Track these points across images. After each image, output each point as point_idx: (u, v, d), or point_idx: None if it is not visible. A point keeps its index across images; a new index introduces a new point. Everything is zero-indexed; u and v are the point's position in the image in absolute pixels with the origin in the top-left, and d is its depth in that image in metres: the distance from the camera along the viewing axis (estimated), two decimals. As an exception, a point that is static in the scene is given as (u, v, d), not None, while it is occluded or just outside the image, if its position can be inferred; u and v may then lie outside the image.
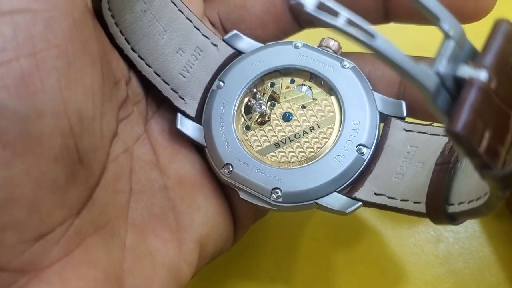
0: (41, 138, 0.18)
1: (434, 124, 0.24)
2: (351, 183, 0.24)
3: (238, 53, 0.26)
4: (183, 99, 0.25)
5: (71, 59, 0.19)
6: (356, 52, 0.27)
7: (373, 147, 0.24)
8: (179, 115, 0.25)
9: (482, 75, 0.13)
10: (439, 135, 0.22)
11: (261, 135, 0.25)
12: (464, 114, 0.13)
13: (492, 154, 0.14)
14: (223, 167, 0.24)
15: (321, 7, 0.13)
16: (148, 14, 0.23)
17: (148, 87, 0.25)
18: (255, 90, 0.26)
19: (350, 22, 0.13)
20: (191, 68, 0.25)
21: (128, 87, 0.24)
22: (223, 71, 0.26)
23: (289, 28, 0.27)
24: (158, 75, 0.24)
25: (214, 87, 0.25)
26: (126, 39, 0.23)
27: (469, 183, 0.19)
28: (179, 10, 0.25)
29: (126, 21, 0.22)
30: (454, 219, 0.19)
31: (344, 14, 0.13)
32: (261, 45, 0.26)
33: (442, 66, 0.14)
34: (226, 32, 0.27)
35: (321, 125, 0.25)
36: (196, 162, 0.25)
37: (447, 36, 0.14)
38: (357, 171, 0.23)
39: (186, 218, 0.24)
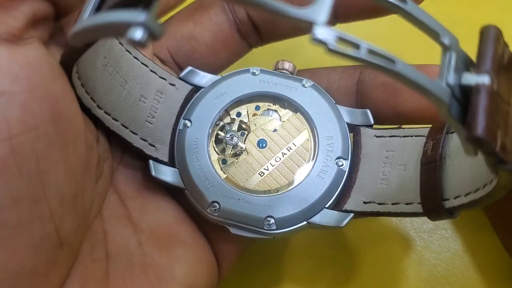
0: (18, 226, 0.17)
1: (403, 126, 0.25)
2: (337, 197, 0.24)
3: (196, 88, 0.26)
4: (153, 146, 0.24)
5: (52, 140, 0.17)
6: (310, 69, 0.27)
7: (349, 158, 0.24)
8: (151, 162, 0.24)
9: (486, 79, 0.14)
10: (412, 136, 0.24)
11: (242, 167, 0.25)
12: (481, 119, 0.14)
13: (504, 150, 0.15)
14: (209, 207, 0.23)
15: (342, 41, 0.13)
16: (108, 67, 0.22)
17: (110, 139, 0.24)
18: (222, 123, 0.25)
19: (371, 52, 0.13)
20: (156, 113, 0.24)
21: (98, 146, 0.22)
22: (186, 110, 0.25)
23: (240, 50, 0.27)
24: (126, 127, 0.23)
25: (180, 127, 0.25)
26: (91, 98, 0.21)
27: (462, 177, 0.20)
28: (134, 57, 0.24)
29: (91, 79, 0.21)
30: (451, 213, 0.21)
31: (364, 45, 0.13)
32: (218, 77, 0.26)
33: (451, 78, 0.14)
34: (179, 66, 0.27)
35: (297, 142, 0.25)
36: (169, 208, 0.25)
37: (446, 48, 0.15)
38: (340, 184, 0.24)
39: (167, 272, 0.23)
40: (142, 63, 0.24)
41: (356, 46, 0.13)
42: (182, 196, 0.24)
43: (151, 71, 0.24)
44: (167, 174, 0.24)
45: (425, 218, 0.22)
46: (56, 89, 0.18)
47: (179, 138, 0.25)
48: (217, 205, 0.23)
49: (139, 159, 0.24)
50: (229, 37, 0.27)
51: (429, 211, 0.21)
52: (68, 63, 0.18)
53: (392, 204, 0.23)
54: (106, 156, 0.23)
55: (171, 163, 0.24)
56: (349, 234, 0.30)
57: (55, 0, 0.18)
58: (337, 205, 0.24)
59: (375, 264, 0.30)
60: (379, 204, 0.23)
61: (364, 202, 0.24)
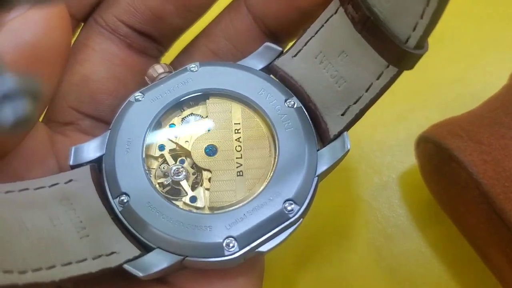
0: None
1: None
2: (318, 134, 0.21)
3: (96, 162, 0.20)
4: (113, 253, 0.18)
5: None
6: (201, 32, 0.24)
7: (293, 95, 0.21)
8: (128, 267, 0.18)
9: None
10: (323, 25, 0.20)
11: (217, 187, 0.20)
12: None
13: None
14: (225, 248, 0.18)
15: None
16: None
17: None
18: (153, 170, 0.20)
19: None
20: (81, 222, 0.18)
21: None
22: (108, 189, 0.19)
23: (146, 67, 0.22)
24: (69, 263, 0.17)
25: (120, 208, 0.19)
26: (5, 271, 0.15)
27: (404, 10, 0.17)
28: (7, 192, 0.17)
29: None
30: (421, 47, 0.18)
31: None
32: (108, 131, 0.20)
33: None
34: (93, 117, 0.22)
35: (237, 119, 0.21)
36: None
37: None
38: (309, 120, 0.21)
39: None
40: (21, 190, 0.18)
41: None
42: (177, 274, 0.19)
43: (36, 189, 0.18)
44: (158, 261, 0.18)
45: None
46: None
47: (129, 218, 0.19)
48: (231, 239, 0.18)
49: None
50: (126, 58, 0.22)
51: (399, 62, 0.18)
52: None
53: (366, 91, 0.20)
54: None
55: (145, 250, 0.19)
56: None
57: None
58: (324, 140, 0.21)
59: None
60: (355, 103, 0.20)
61: (342, 114, 0.20)
